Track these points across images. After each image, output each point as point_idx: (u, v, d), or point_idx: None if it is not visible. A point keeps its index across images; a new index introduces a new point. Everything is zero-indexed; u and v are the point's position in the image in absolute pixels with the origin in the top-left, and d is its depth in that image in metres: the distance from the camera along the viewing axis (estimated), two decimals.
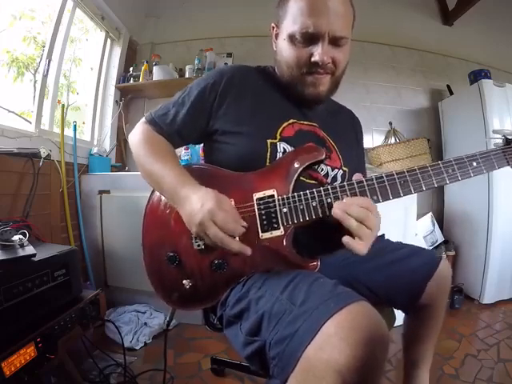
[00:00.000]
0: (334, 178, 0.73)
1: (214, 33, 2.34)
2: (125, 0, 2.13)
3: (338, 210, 0.55)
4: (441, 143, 2.36)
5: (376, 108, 2.39)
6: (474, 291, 1.98)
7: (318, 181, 0.71)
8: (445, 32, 2.49)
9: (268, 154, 0.67)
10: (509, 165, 0.61)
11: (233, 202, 0.61)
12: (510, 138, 0.63)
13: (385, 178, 0.58)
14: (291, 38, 0.66)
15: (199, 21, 2.35)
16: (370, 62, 2.39)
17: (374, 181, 0.58)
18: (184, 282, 0.64)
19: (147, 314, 1.62)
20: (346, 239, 0.54)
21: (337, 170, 0.74)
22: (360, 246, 0.54)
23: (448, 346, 1.46)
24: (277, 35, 0.73)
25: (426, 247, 2.07)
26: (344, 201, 0.56)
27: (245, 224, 0.58)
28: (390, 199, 0.58)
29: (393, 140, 2.33)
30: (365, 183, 0.58)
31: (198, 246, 0.63)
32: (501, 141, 0.66)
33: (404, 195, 0.58)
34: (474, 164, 0.59)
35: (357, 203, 0.54)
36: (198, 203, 0.57)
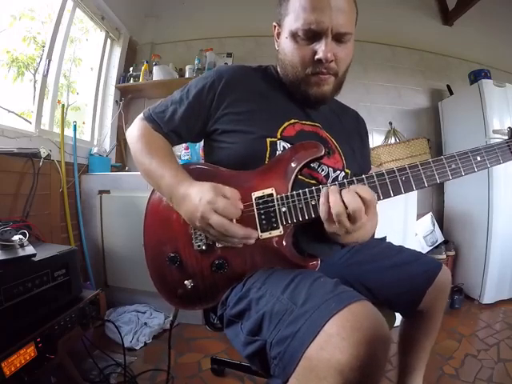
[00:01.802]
0: (335, 180, 0.72)
1: (214, 33, 2.34)
2: (125, 0, 2.13)
3: (325, 187, 0.55)
4: (441, 143, 2.36)
5: (376, 108, 2.39)
6: (474, 291, 1.98)
7: (318, 181, 0.70)
8: (445, 32, 2.49)
9: (267, 152, 0.67)
10: None
11: None
12: None
13: (386, 174, 0.56)
14: (294, 36, 0.65)
15: (199, 21, 2.35)
16: (369, 62, 2.39)
17: (375, 178, 0.56)
18: (185, 282, 0.64)
19: (147, 314, 1.61)
20: (322, 211, 0.54)
21: (338, 172, 0.73)
22: (336, 227, 0.53)
23: (448, 346, 1.46)
24: (278, 34, 0.72)
25: (426, 247, 2.07)
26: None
27: (241, 206, 0.58)
28: (391, 196, 0.57)
29: (393, 140, 2.33)
30: (365, 180, 0.57)
31: (199, 246, 0.63)
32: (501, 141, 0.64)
33: (405, 192, 0.57)
34: (478, 158, 0.57)
35: (355, 189, 0.52)
36: (197, 198, 0.57)
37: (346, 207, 0.51)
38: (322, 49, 0.62)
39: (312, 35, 0.63)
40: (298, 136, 0.70)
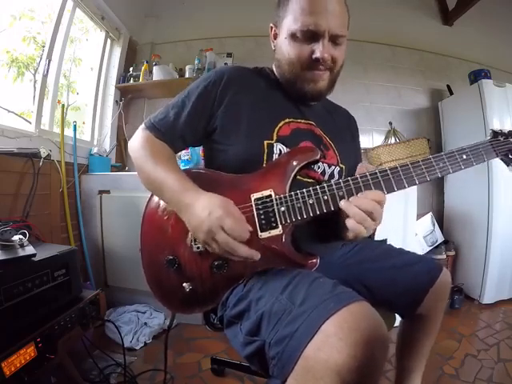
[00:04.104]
0: (331, 176, 0.74)
1: (214, 33, 2.34)
2: (125, 0, 2.13)
3: (343, 201, 0.58)
4: (441, 143, 2.36)
5: (376, 108, 2.39)
6: (474, 291, 1.98)
7: (315, 179, 0.71)
8: (445, 32, 2.49)
9: (265, 155, 0.68)
10: (498, 156, 0.63)
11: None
12: (496, 130, 0.64)
13: (378, 174, 0.60)
14: (292, 36, 0.68)
15: (199, 21, 2.35)
16: (369, 62, 2.39)
17: (369, 177, 0.59)
18: (184, 285, 0.64)
19: (147, 313, 1.62)
20: (350, 224, 0.56)
21: (334, 167, 0.75)
22: (363, 230, 0.56)
23: (448, 346, 1.46)
24: (275, 35, 0.75)
25: (426, 247, 2.07)
26: (358, 195, 0.58)
27: (250, 228, 0.58)
28: (384, 194, 0.60)
29: (393, 140, 2.33)
30: (359, 179, 0.59)
31: (198, 248, 0.63)
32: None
33: (398, 189, 0.60)
34: (464, 157, 0.61)
35: (369, 197, 0.57)
36: (205, 211, 0.56)
37: (366, 212, 0.56)
38: (319, 49, 0.66)
39: (310, 36, 0.66)
40: (294, 134, 0.72)
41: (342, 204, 0.58)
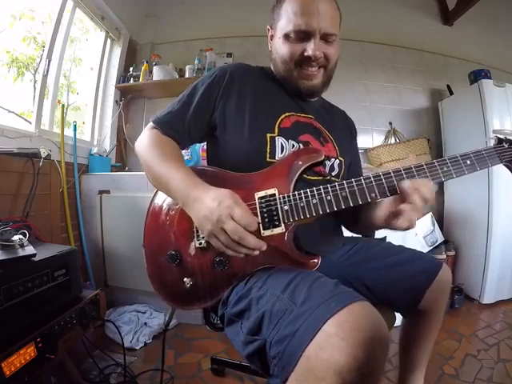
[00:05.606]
0: (332, 168, 0.77)
1: (214, 33, 2.34)
2: (125, 0, 2.13)
3: (406, 184, 0.58)
4: (441, 143, 2.36)
5: (376, 108, 2.39)
6: (474, 291, 1.98)
7: (320, 175, 0.73)
8: (445, 32, 2.49)
9: (268, 148, 0.70)
10: (501, 162, 0.64)
11: None
12: (501, 137, 0.65)
13: (382, 176, 0.60)
14: (286, 37, 0.72)
15: (199, 21, 2.35)
16: (369, 62, 2.38)
17: (372, 179, 0.60)
18: (185, 279, 0.64)
19: (147, 313, 1.62)
20: (404, 207, 0.57)
21: (333, 160, 0.77)
22: (414, 216, 0.58)
23: (448, 346, 1.46)
24: (272, 36, 0.79)
25: (426, 247, 2.06)
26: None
27: (258, 220, 0.59)
28: (387, 196, 0.60)
29: (393, 140, 2.34)
30: (363, 181, 0.60)
31: (200, 244, 0.63)
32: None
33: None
34: (468, 162, 0.62)
35: (426, 185, 0.58)
36: (215, 202, 0.56)
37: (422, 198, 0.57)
38: (311, 47, 0.70)
39: (303, 36, 0.70)
40: (294, 126, 0.75)
41: (407, 185, 0.57)
